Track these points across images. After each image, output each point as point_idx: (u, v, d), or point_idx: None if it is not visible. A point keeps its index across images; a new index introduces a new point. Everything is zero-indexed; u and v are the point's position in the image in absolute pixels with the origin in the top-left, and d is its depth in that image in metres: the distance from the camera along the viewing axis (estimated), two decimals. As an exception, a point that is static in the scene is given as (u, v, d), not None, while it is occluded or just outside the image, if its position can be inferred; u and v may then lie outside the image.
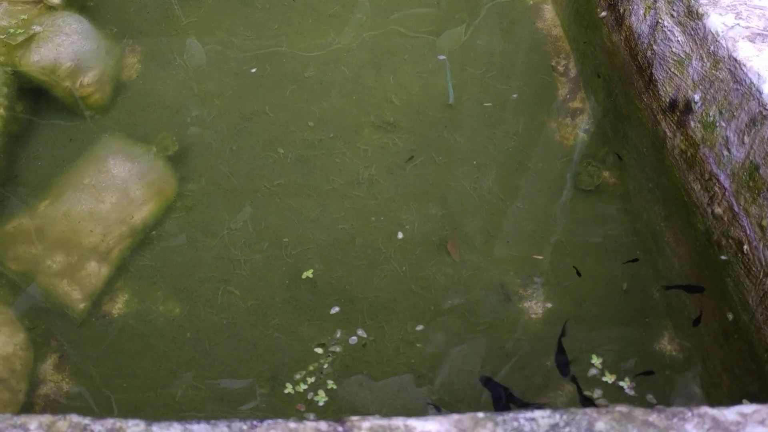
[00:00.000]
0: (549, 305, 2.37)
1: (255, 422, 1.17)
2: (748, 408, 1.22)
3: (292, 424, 1.18)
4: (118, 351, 2.28)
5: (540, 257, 2.43)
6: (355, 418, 1.19)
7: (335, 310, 2.32)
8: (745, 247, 1.97)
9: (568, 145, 2.82)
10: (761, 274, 1.92)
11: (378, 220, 2.58)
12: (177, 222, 2.57)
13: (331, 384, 2.13)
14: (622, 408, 1.22)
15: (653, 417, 1.20)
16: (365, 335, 2.25)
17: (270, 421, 1.18)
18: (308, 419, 1.19)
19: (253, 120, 2.86)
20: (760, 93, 1.87)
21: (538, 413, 1.20)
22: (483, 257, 2.49)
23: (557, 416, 1.20)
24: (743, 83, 1.95)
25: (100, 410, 2.18)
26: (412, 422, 1.18)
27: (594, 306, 2.36)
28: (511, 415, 1.20)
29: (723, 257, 2.08)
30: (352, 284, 2.41)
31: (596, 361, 2.17)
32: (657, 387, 2.15)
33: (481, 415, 1.20)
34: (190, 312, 2.35)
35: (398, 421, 1.18)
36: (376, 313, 2.34)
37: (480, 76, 3.04)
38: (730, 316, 2.01)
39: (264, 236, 2.53)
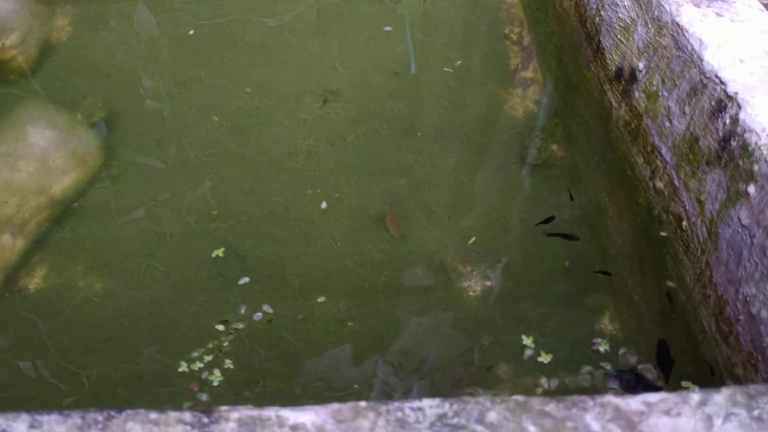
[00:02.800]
0: (488, 283, 2.27)
1: (113, 413, 1.06)
2: (653, 396, 1.13)
3: (153, 415, 1.07)
4: (33, 328, 2.15)
5: (473, 239, 2.33)
6: (224, 408, 1.08)
7: (244, 281, 2.19)
8: (684, 222, 1.88)
9: (517, 117, 2.71)
10: (699, 251, 1.83)
11: (315, 193, 2.46)
12: (101, 193, 2.43)
13: (228, 363, 2.01)
14: (518, 397, 1.13)
15: (551, 407, 1.11)
16: (271, 310, 2.14)
17: (129, 411, 1.07)
18: (172, 410, 1.08)
19: (188, 86, 2.72)
20: (701, 60, 1.77)
21: (426, 402, 1.11)
22: (423, 233, 2.39)
23: (446, 405, 1.10)
24: (685, 50, 1.84)
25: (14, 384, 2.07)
26: (286, 413, 1.08)
27: (534, 285, 2.26)
28: (396, 404, 1.10)
29: (663, 233, 2.00)
30: (283, 260, 2.30)
31: (528, 341, 2.08)
32: (597, 369, 2.07)
33: (363, 404, 1.10)
34: (112, 288, 2.23)
35: (270, 412, 1.08)
36: (307, 291, 2.23)
37: (430, 44, 2.91)
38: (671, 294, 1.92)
39: (192, 209, 2.40)
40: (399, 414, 1.08)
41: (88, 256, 2.29)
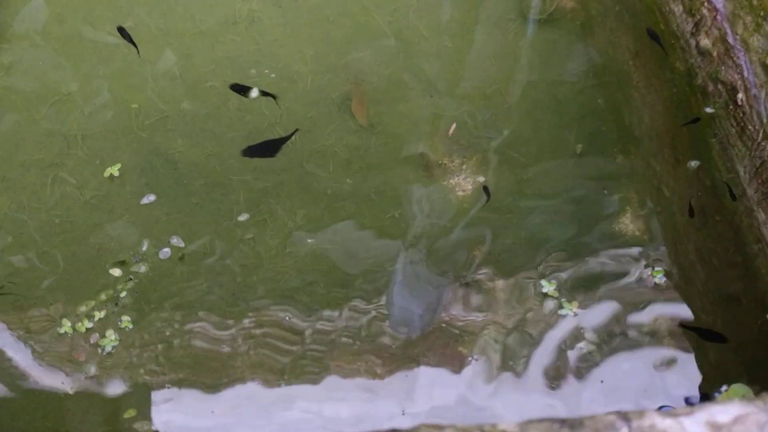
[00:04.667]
0: (480, 179, 1.82)
1: None
2: (724, 412, 0.72)
3: None
4: None
5: (453, 127, 1.85)
6: None
7: (174, 194, 1.73)
8: (740, 96, 1.39)
9: (515, -43, 2.13)
10: (759, 135, 1.36)
11: (260, 73, 1.97)
12: (-10, 88, 1.95)
13: (126, 322, 1.62)
14: (508, 426, 0.72)
15: (559, 441, 0.70)
16: (181, 244, 1.71)
17: None
18: None
19: (92, -59, 2.13)
20: None
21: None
22: (398, 119, 1.92)
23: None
24: None
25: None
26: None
27: (539, 178, 1.81)
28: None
29: (708, 109, 1.52)
30: (223, 163, 1.84)
31: (549, 288, 1.64)
32: (613, 287, 1.66)
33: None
34: (12, 208, 1.81)
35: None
36: (255, 203, 1.80)
37: None
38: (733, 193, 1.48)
39: (108, 102, 1.94)
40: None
41: (-21, 170, 1.84)
